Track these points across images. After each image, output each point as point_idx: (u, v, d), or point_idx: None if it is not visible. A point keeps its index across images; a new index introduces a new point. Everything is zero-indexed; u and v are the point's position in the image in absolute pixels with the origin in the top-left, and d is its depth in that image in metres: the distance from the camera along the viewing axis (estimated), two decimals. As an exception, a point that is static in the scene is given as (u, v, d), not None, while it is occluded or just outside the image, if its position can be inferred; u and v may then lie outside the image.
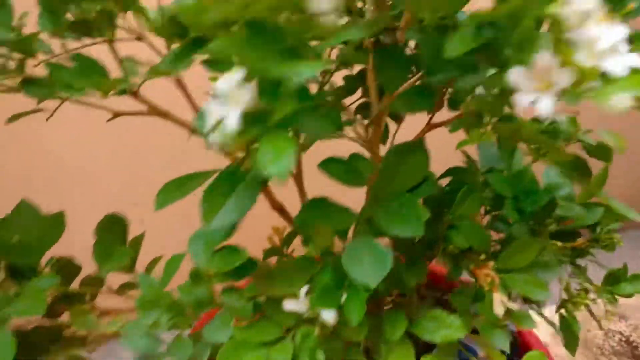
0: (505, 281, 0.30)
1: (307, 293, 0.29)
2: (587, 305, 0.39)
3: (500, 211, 0.37)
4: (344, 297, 0.28)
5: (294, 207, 0.40)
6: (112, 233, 0.37)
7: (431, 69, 0.25)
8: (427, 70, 0.26)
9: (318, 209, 0.27)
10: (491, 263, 0.30)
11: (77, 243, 0.39)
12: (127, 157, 0.73)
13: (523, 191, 0.36)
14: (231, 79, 0.22)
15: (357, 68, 0.39)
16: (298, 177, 0.40)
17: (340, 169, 0.28)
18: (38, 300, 0.29)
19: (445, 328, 0.29)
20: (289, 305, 0.30)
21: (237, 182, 0.26)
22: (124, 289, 0.38)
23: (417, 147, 0.27)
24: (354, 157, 0.29)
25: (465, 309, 0.30)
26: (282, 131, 0.21)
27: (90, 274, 0.40)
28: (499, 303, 0.30)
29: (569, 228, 0.36)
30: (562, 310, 0.41)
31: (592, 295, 0.39)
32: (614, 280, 0.39)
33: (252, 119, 0.22)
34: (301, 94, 0.21)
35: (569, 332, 0.39)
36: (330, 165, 0.28)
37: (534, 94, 0.20)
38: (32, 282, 0.32)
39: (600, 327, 0.42)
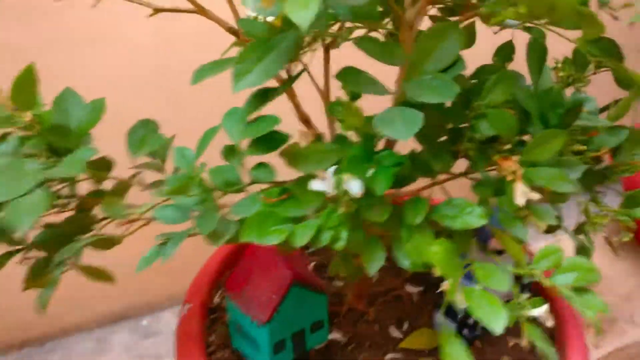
0: (529, 174, 0.30)
1: (334, 173, 0.30)
2: (603, 226, 0.39)
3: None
4: (371, 172, 0.29)
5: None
6: (144, 129, 0.38)
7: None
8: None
9: (352, 75, 0.27)
10: (515, 157, 0.31)
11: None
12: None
13: (549, 105, 0.37)
14: None
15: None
16: (325, 92, 0.40)
17: (376, 47, 0.28)
18: (77, 163, 0.30)
19: (465, 215, 0.30)
20: (316, 185, 0.31)
21: (268, 50, 0.27)
22: (155, 184, 0.40)
23: (451, 28, 0.28)
24: (389, 41, 0.30)
25: (486, 199, 0.31)
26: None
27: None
28: (521, 194, 0.30)
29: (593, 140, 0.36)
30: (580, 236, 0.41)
31: (610, 217, 0.39)
32: (633, 203, 0.39)
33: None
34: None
35: (585, 254, 0.40)
36: (366, 43, 0.28)
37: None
38: (72, 154, 0.33)
39: (616, 253, 0.43)
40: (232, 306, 0.46)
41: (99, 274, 0.41)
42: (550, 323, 0.30)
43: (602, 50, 0.28)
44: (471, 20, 0.42)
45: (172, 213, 0.31)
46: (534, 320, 0.31)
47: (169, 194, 0.29)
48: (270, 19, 0.31)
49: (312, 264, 0.58)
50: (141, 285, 0.80)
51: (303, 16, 0.21)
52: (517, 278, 0.49)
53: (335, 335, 0.50)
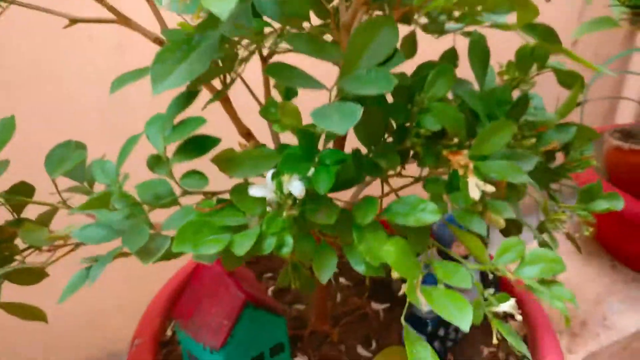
0: (481, 167, 0.29)
1: (273, 176, 0.28)
2: (563, 222, 0.38)
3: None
4: (312, 171, 0.26)
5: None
6: (65, 149, 0.35)
7: None
8: None
9: (284, 70, 0.25)
10: (465, 151, 0.30)
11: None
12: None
13: (496, 103, 0.36)
14: None
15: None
16: (266, 88, 0.38)
17: (308, 43, 0.27)
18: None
19: (418, 212, 0.28)
20: (255, 190, 0.28)
21: (190, 50, 0.25)
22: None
23: (384, 21, 0.27)
24: (326, 42, 0.28)
25: (439, 194, 0.29)
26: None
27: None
28: (474, 187, 0.29)
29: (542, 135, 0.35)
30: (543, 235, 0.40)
31: (568, 214, 0.38)
32: (590, 197, 0.38)
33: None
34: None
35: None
36: (298, 40, 0.27)
37: None
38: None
39: (580, 251, 0.42)
40: (183, 335, 0.42)
41: (27, 312, 0.36)
42: (519, 317, 0.28)
43: (540, 36, 0.28)
44: (411, 30, 0.42)
45: (95, 232, 0.27)
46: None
47: (83, 208, 0.26)
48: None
49: (271, 288, 0.55)
50: (103, 330, 0.74)
51: (222, 6, 0.20)
52: (484, 280, 0.47)
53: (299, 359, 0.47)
